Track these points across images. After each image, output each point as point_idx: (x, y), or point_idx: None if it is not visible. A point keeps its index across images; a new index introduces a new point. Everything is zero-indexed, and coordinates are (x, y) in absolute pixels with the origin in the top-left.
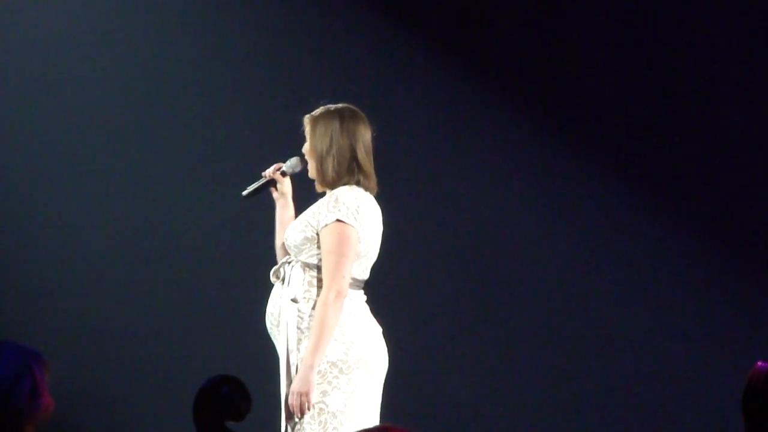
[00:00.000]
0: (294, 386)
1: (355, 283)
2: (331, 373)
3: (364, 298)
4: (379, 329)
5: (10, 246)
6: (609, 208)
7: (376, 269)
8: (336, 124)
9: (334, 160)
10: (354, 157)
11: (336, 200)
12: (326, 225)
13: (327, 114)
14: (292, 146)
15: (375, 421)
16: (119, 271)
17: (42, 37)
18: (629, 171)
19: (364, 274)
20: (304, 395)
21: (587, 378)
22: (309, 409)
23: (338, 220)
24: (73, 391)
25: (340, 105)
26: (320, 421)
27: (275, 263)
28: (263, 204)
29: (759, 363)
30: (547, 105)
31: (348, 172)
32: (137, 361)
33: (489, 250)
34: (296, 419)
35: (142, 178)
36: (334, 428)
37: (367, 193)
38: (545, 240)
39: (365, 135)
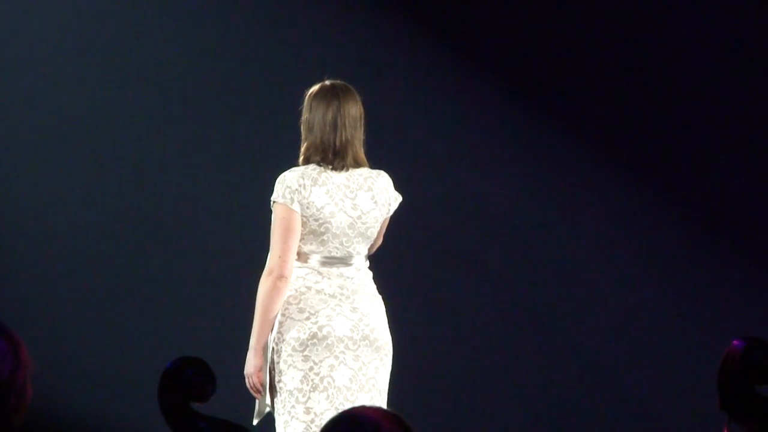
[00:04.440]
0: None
1: (320, 260)
2: (285, 351)
3: (346, 272)
4: (361, 306)
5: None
6: (612, 202)
7: (379, 259)
8: (304, 104)
9: (303, 140)
10: (321, 135)
11: (277, 181)
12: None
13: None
14: (289, 143)
15: (366, 400)
16: (110, 267)
17: (42, 35)
18: (633, 165)
19: (332, 251)
20: (248, 377)
21: (590, 373)
22: (261, 390)
23: (274, 202)
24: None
25: (321, 83)
26: (281, 400)
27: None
28: (258, 203)
29: (735, 341)
30: (554, 96)
31: (312, 151)
32: (111, 351)
33: (492, 242)
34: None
35: (136, 176)
36: (292, 406)
37: (333, 172)
38: (549, 233)
39: (340, 109)
